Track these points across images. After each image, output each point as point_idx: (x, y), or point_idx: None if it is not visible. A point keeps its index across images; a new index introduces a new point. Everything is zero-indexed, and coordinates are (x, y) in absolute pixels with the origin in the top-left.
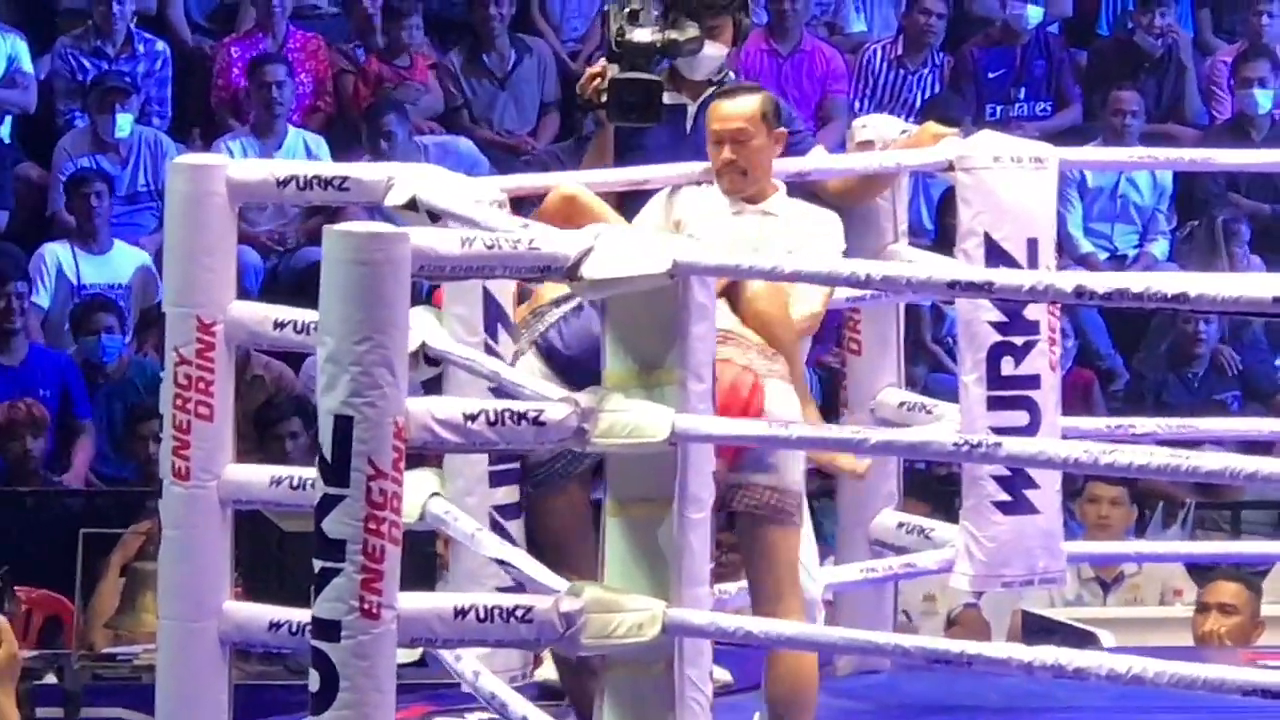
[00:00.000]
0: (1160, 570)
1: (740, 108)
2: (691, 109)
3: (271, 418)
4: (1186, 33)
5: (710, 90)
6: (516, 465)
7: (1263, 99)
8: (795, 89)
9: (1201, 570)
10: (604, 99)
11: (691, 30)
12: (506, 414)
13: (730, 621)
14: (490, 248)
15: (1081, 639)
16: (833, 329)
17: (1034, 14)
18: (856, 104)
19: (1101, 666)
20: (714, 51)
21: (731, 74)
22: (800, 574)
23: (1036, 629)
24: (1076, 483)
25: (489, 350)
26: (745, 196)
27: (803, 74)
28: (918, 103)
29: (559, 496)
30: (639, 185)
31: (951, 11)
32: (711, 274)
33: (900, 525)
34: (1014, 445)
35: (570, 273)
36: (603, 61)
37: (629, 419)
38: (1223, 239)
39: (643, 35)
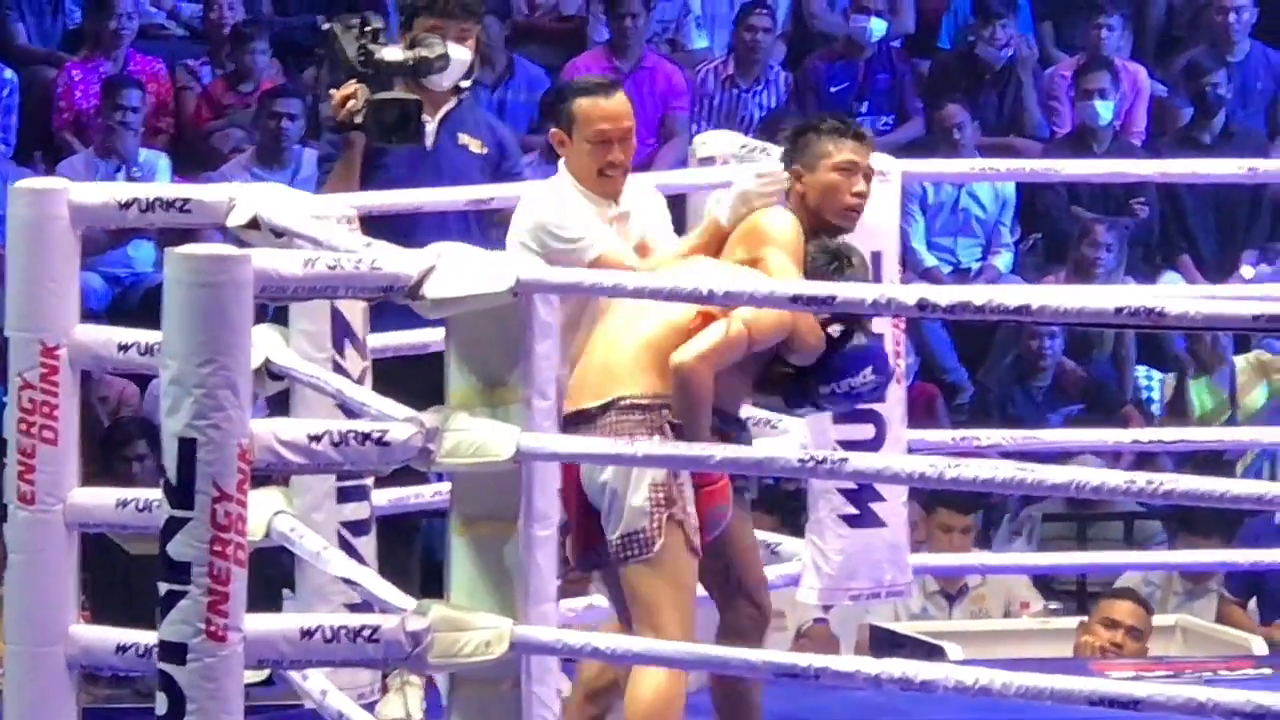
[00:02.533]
0: (1005, 582)
1: (626, 105)
2: (432, 125)
3: (118, 440)
4: (1028, 45)
5: (454, 101)
6: (367, 482)
7: (1103, 110)
8: (637, 106)
9: (1045, 581)
10: (359, 120)
11: (440, 48)
12: (351, 435)
13: (577, 638)
14: (333, 268)
15: (929, 652)
16: None
17: (877, 28)
18: (694, 124)
19: (948, 679)
20: (463, 56)
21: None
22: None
23: (884, 642)
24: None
25: (337, 367)
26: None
27: (644, 91)
28: (755, 118)
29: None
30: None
31: (793, 27)
32: (554, 291)
33: None
34: (860, 461)
35: (412, 292)
36: (353, 83)
37: (474, 438)
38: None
39: (393, 54)
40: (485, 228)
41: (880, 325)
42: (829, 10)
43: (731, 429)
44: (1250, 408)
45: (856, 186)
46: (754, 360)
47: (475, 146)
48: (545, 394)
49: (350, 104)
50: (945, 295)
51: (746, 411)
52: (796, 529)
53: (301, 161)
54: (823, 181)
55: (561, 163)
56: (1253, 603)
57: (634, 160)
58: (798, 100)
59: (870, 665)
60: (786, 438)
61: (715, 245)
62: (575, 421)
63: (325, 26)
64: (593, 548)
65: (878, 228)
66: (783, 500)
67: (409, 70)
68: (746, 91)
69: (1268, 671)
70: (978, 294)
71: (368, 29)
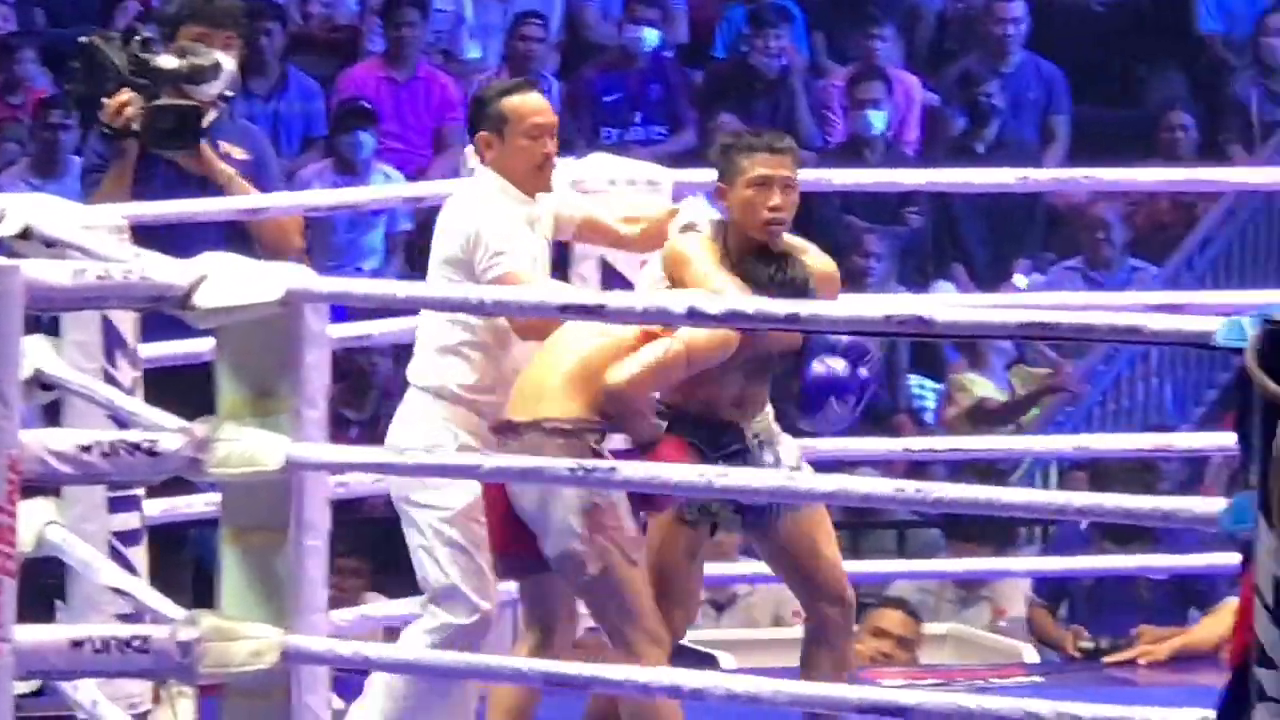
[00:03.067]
0: (774, 591)
1: (546, 100)
2: None
3: None
4: (801, 55)
5: (216, 111)
6: (138, 492)
7: (876, 120)
8: (412, 116)
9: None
10: (135, 127)
11: (212, 56)
12: (121, 445)
13: (347, 648)
14: (102, 278)
15: (699, 660)
16: None
17: (650, 37)
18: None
19: (718, 687)
20: (230, 65)
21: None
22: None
23: None
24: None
25: (108, 377)
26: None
27: (419, 102)
28: None
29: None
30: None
31: (566, 37)
32: (324, 300)
33: None
34: (629, 470)
35: (182, 302)
36: (126, 91)
37: (243, 448)
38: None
39: (169, 62)
40: (248, 236)
41: None
42: (602, 20)
43: (725, 441)
44: (1025, 419)
45: (771, 200)
46: (740, 371)
47: (238, 154)
48: (315, 404)
49: (127, 111)
50: (715, 304)
51: None
52: None
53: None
54: (740, 198)
55: (482, 168)
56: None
57: (408, 170)
58: (571, 110)
59: (639, 674)
60: None
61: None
62: (501, 430)
63: (84, 40)
64: (517, 554)
65: None
66: None
67: (184, 78)
68: None
69: (1039, 679)
70: (748, 303)
71: (137, 38)
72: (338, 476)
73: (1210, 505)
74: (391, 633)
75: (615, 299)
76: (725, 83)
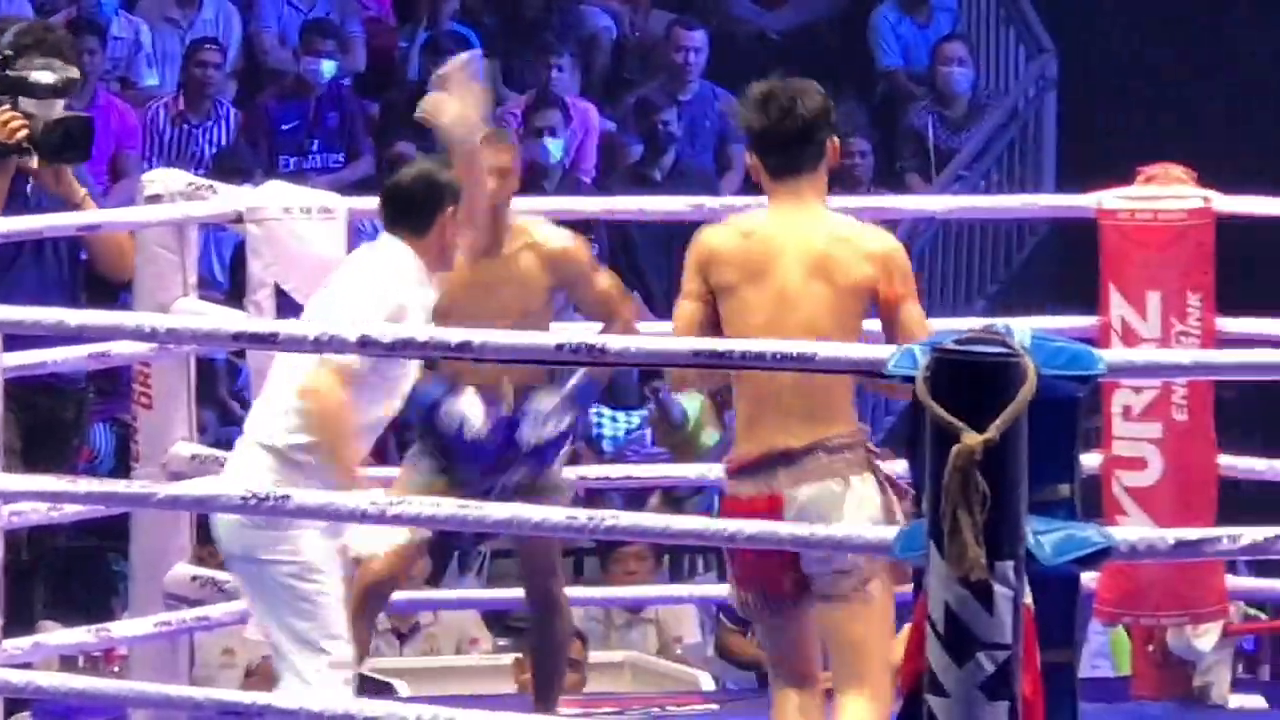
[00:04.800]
0: (456, 619)
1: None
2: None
3: None
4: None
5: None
6: None
7: (553, 148)
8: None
9: (496, 618)
10: (29, 140)
11: (75, 71)
12: None
13: (20, 676)
14: None
15: (378, 689)
16: (125, 384)
17: (328, 68)
18: (145, 162)
19: (393, 715)
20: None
21: None
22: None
23: None
24: None
25: None
26: None
27: (98, 129)
28: (207, 155)
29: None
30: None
31: (244, 65)
32: None
33: (194, 578)
34: (303, 497)
35: None
36: (7, 106)
37: None
38: None
39: (45, 76)
40: (76, 262)
41: None
42: (279, 48)
43: None
44: (704, 445)
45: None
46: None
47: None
48: None
49: (13, 124)
50: (388, 332)
51: (194, 450)
52: None
53: None
54: None
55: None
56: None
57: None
58: (248, 138)
59: (314, 702)
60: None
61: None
62: (773, 461)
63: None
64: (778, 591)
65: (325, 264)
66: None
67: (58, 91)
68: (197, 128)
69: (715, 706)
70: (420, 331)
71: (3, 55)
72: (12, 505)
73: (883, 532)
74: (67, 661)
75: (288, 327)
76: (402, 112)
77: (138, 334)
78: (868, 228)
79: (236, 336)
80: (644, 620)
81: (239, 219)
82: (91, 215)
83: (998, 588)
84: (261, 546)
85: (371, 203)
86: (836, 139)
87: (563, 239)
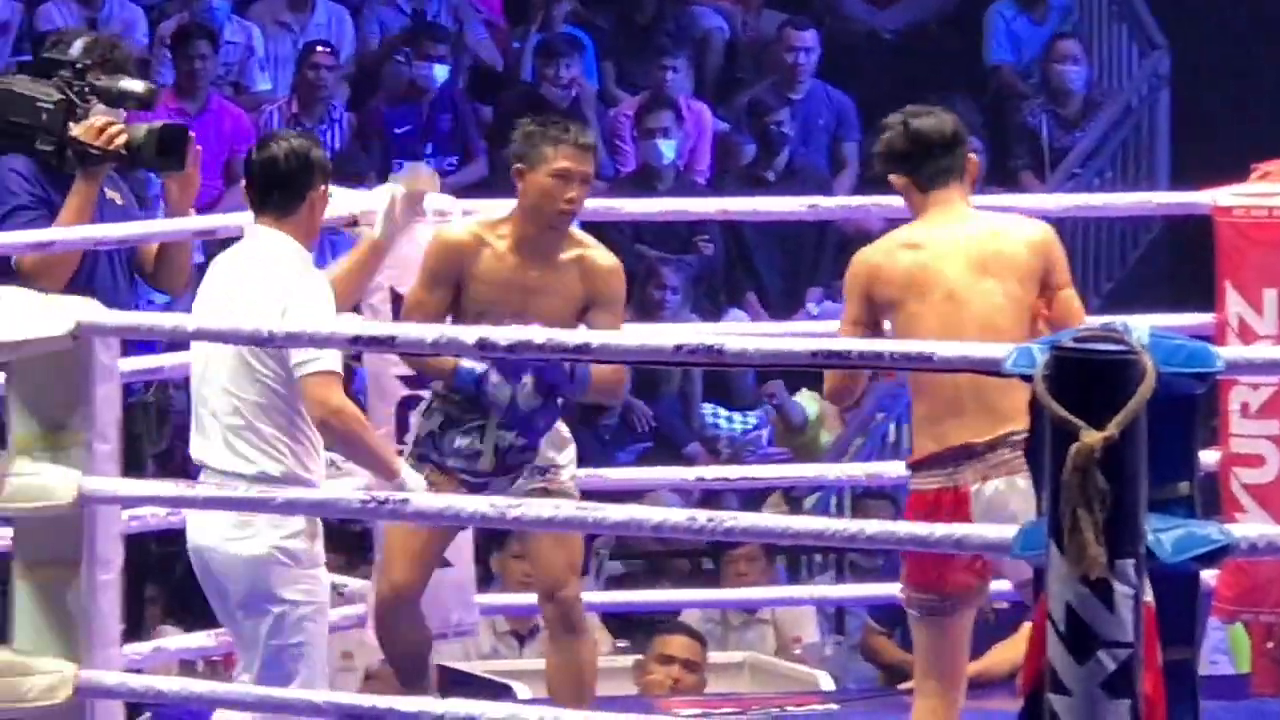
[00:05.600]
0: None
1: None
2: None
3: None
4: (591, 85)
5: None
6: None
7: (666, 149)
8: (204, 149)
9: (616, 620)
10: (127, 147)
11: (150, 84)
12: None
13: (140, 681)
14: None
15: (496, 691)
16: None
17: (440, 72)
18: None
19: (514, 717)
20: None
21: None
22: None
23: (453, 682)
24: (504, 537)
25: None
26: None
27: (210, 134)
28: None
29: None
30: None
31: (356, 69)
32: (114, 334)
33: None
34: (422, 501)
35: None
36: (103, 115)
37: (35, 482)
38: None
39: (135, 86)
40: (132, 276)
41: None
42: (393, 51)
43: None
44: (823, 446)
45: (568, 193)
46: None
47: (118, 199)
48: (107, 437)
49: (111, 131)
50: (505, 335)
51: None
52: (367, 568)
53: None
54: (539, 184)
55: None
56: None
57: (199, 203)
58: (360, 142)
59: (436, 705)
60: (350, 479)
61: (375, 262)
62: (956, 456)
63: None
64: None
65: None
66: (351, 540)
67: (144, 101)
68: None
69: (835, 706)
70: (538, 334)
71: (78, 66)
72: (130, 510)
73: (1002, 532)
74: (186, 665)
75: (405, 330)
76: (516, 113)
77: (255, 339)
78: (1021, 218)
79: (354, 340)
80: (760, 621)
81: (354, 223)
82: (211, 220)
83: (1118, 586)
84: (286, 585)
85: (488, 205)
86: (975, 155)
87: (613, 260)
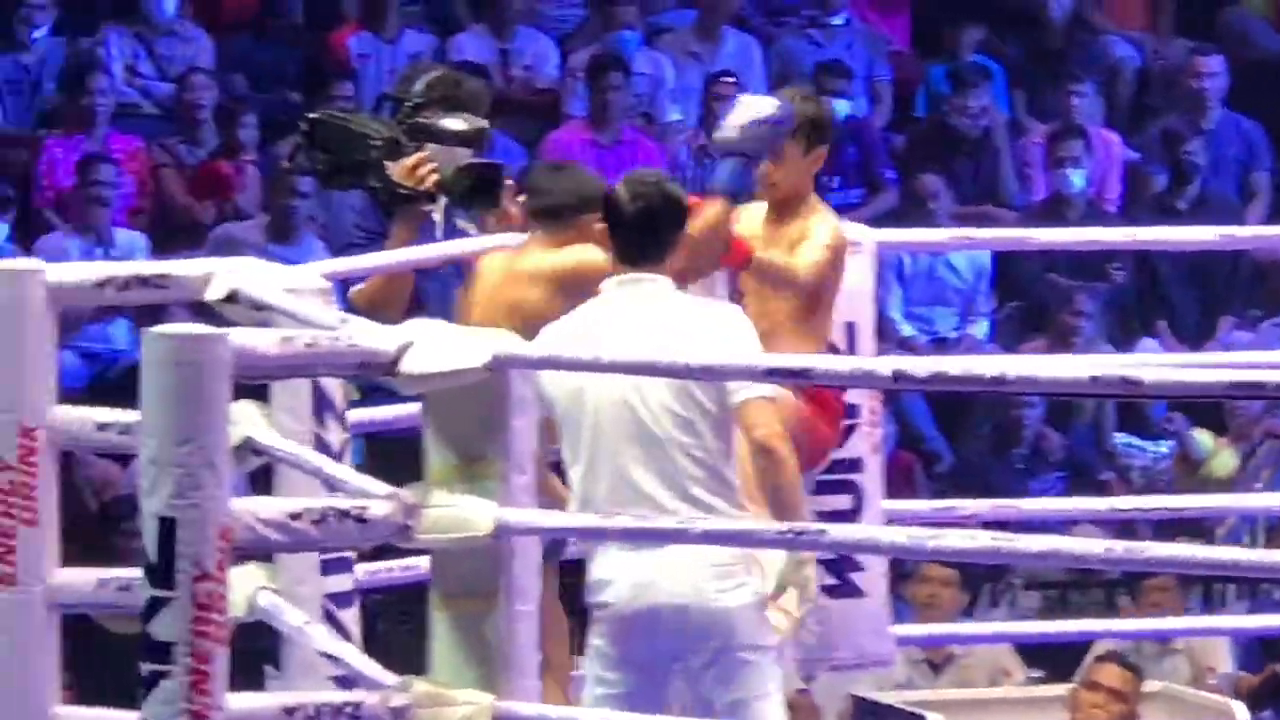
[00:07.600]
0: (989, 651)
1: None
2: (441, 200)
3: (112, 518)
4: (1001, 114)
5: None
6: (350, 554)
7: (1076, 178)
8: (616, 179)
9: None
10: (438, 185)
11: (482, 123)
12: (330, 512)
13: (558, 713)
14: (310, 345)
15: None
16: None
17: (842, 107)
18: None
19: None
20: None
21: None
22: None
23: (868, 712)
24: (905, 565)
25: (318, 439)
26: None
27: (625, 165)
28: None
29: None
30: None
31: None
32: (530, 366)
33: None
34: (839, 532)
35: (389, 369)
36: (419, 152)
37: (453, 514)
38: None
39: (457, 124)
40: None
41: (857, 395)
42: (795, 78)
43: None
44: (1221, 477)
45: None
46: None
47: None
48: (523, 468)
49: (421, 170)
50: (922, 366)
51: None
52: None
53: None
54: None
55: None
56: None
57: None
58: None
59: None
60: None
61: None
62: None
63: (312, 116)
64: None
65: (852, 298)
66: None
67: (466, 139)
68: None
69: None
70: (953, 365)
71: (408, 104)
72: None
73: None
74: None
75: (821, 362)
76: (927, 144)
77: (672, 370)
78: None
79: (770, 372)
80: (1174, 650)
81: None
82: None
83: None
84: (757, 634)
85: (901, 235)
86: None
87: None
